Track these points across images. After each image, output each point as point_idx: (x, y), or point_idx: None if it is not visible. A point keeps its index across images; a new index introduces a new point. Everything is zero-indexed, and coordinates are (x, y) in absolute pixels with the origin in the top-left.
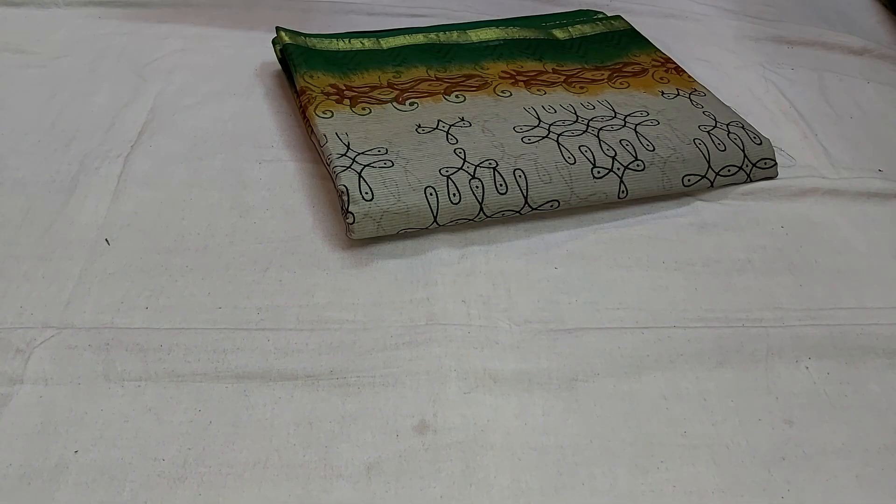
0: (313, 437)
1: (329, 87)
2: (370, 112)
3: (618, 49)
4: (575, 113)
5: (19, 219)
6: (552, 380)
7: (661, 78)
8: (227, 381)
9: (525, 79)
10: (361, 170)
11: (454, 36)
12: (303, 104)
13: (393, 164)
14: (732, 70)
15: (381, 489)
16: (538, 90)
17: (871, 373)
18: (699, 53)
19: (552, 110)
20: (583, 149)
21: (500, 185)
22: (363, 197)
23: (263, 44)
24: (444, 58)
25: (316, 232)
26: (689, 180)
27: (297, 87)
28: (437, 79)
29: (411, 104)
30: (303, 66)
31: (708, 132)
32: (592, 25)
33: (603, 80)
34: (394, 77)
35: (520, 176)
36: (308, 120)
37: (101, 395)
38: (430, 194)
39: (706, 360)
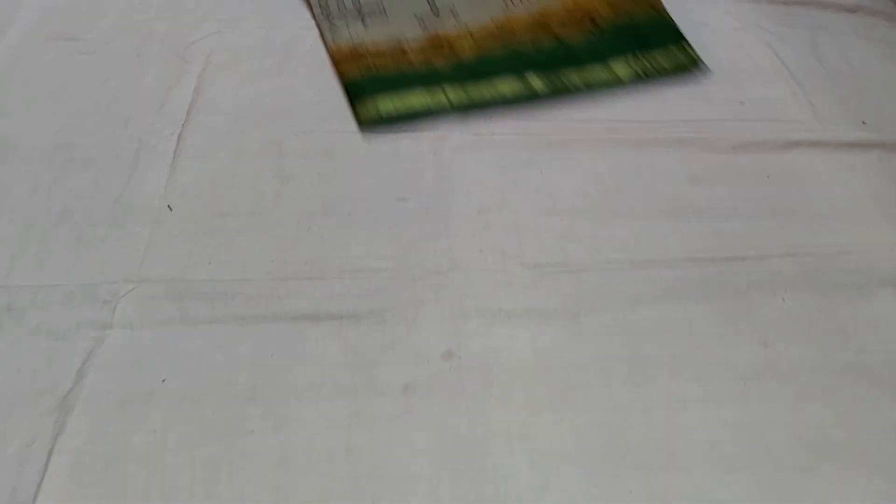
0: (358, 364)
1: None
2: None
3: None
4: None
5: (92, 191)
6: (558, 314)
7: None
8: (283, 322)
9: None
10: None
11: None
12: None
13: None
14: (730, 32)
15: (416, 403)
16: None
17: (842, 302)
18: (698, 17)
19: None
20: None
21: None
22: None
23: (291, 24)
24: None
25: (350, 193)
26: None
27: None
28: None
29: None
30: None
31: None
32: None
33: None
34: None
35: None
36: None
37: (179, 336)
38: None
39: (693, 294)
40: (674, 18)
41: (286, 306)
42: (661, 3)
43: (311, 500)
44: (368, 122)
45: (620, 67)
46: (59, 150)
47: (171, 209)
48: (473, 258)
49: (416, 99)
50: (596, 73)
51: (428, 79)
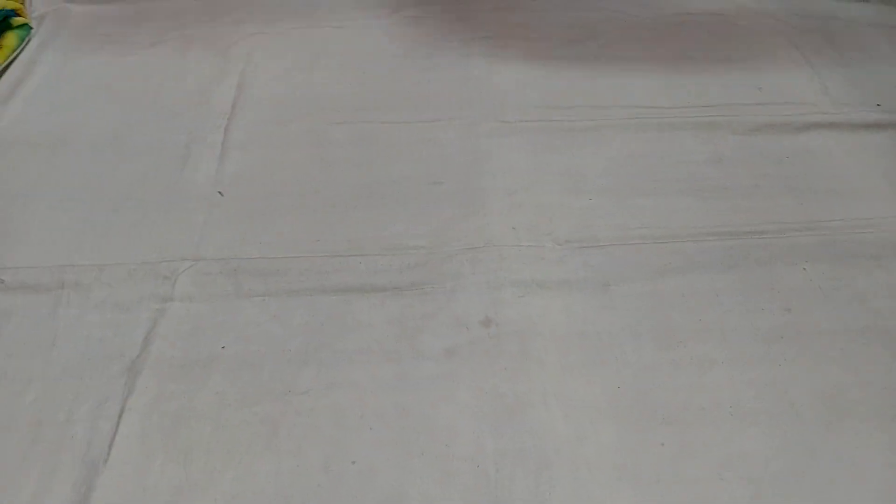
0: (403, 332)
1: None
2: None
3: None
4: None
5: (146, 179)
6: (589, 285)
7: None
8: (332, 294)
9: None
10: None
11: None
12: None
13: None
14: (744, 22)
15: (458, 365)
16: None
17: (859, 271)
18: (715, 7)
19: None
20: None
21: None
22: None
23: (325, 24)
24: None
25: (387, 178)
26: None
27: None
28: None
29: None
30: None
31: None
32: None
33: None
34: None
35: None
36: None
37: (235, 308)
38: None
39: (718, 265)
40: (689, 9)
41: (333, 280)
42: None
43: (363, 453)
44: None
45: None
46: (111, 143)
47: (221, 195)
48: (506, 235)
49: None
50: None
51: None
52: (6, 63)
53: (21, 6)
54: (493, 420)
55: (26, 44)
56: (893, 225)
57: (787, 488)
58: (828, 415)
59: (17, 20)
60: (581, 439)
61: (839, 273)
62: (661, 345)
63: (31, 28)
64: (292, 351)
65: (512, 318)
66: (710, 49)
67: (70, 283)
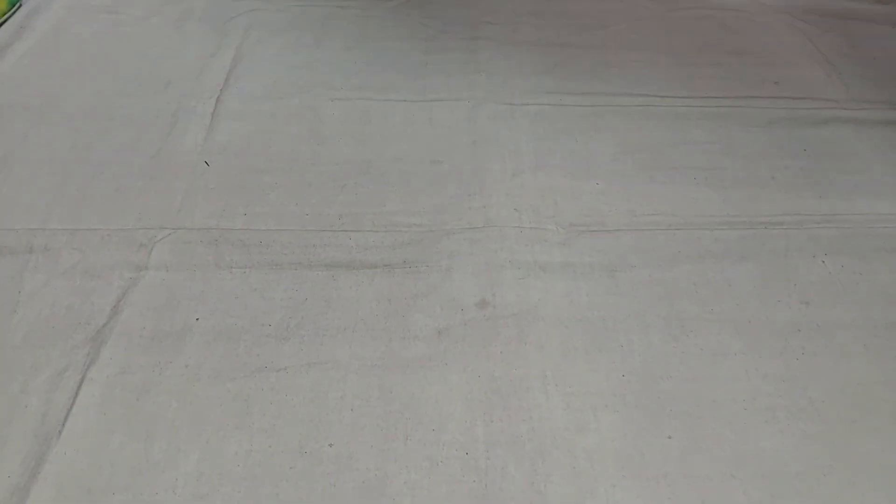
0: (392, 310)
1: None
2: None
3: None
4: None
5: (131, 146)
6: (594, 270)
7: None
8: (317, 269)
9: None
10: None
11: None
12: None
13: None
14: (760, 18)
15: (450, 347)
16: None
17: (882, 265)
18: (731, 2)
19: None
20: None
21: None
22: None
23: (329, 3)
24: None
25: (385, 155)
26: None
27: None
28: None
29: None
30: None
31: None
32: None
33: None
34: None
35: None
36: None
37: (214, 279)
38: None
39: (731, 255)
40: (704, 4)
41: (321, 255)
42: None
43: (342, 435)
44: None
45: None
46: (100, 111)
47: (208, 165)
48: (508, 216)
49: None
50: None
51: None
52: None
53: None
54: (486, 405)
55: (16, 9)
56: None
57: (805, 489)
58: (850, 412)
59: None
60: (582, 429)
61: (860, 267)
62: (669, 334)
63: None
64: (272, 326)
65: (510, 300)
66: (725, 43)
67: (39, 247)
